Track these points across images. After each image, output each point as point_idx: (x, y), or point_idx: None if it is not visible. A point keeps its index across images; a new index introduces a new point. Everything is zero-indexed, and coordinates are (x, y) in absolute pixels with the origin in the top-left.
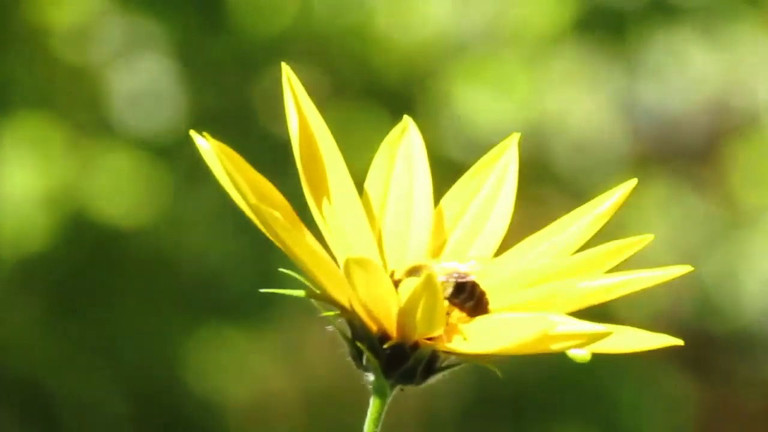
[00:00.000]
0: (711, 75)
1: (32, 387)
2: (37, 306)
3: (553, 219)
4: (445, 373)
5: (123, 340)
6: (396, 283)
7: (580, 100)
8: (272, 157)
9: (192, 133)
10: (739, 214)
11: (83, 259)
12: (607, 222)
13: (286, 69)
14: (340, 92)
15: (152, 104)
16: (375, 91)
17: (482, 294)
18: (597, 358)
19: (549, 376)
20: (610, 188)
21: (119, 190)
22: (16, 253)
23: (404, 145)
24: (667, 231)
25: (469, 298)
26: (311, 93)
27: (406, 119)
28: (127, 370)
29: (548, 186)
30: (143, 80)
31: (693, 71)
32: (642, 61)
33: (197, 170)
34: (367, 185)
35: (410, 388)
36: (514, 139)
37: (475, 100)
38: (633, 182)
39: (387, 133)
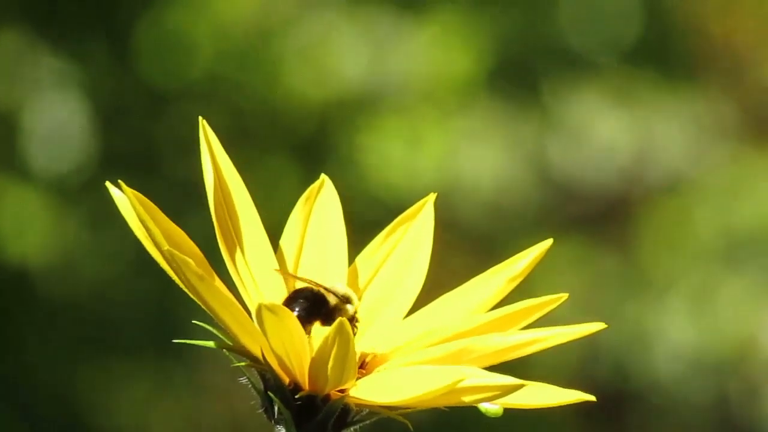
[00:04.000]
0: (623, 136)
1: None
2: None
3: (464, 277)
4: (356, 427)
5: (25, 376)
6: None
7: (493, 157)
8: (178, 197)
9: (108, 184)
10: (651, 277)
11: None
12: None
13: (203, 123)
14: (250, 140)
15: (61, 144)
16: (286, 142)
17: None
18: (509, 414)
19: (460, 428)
20: (521, 246)
21: (26, 228)
22: None
23: (320, 203)
24: (578, 290)
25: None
26: (220, 141)
27: (323, 177)
28: (29, 409)
29: (459, 243)
30: (53, 120)
31: (606, 131)
32: (555, 120)
33: (103, 211)
34: (282, 241)
35: None
36: (431, 199)
37: (387, 155)
38: (548, 243)
39: (296, 182)
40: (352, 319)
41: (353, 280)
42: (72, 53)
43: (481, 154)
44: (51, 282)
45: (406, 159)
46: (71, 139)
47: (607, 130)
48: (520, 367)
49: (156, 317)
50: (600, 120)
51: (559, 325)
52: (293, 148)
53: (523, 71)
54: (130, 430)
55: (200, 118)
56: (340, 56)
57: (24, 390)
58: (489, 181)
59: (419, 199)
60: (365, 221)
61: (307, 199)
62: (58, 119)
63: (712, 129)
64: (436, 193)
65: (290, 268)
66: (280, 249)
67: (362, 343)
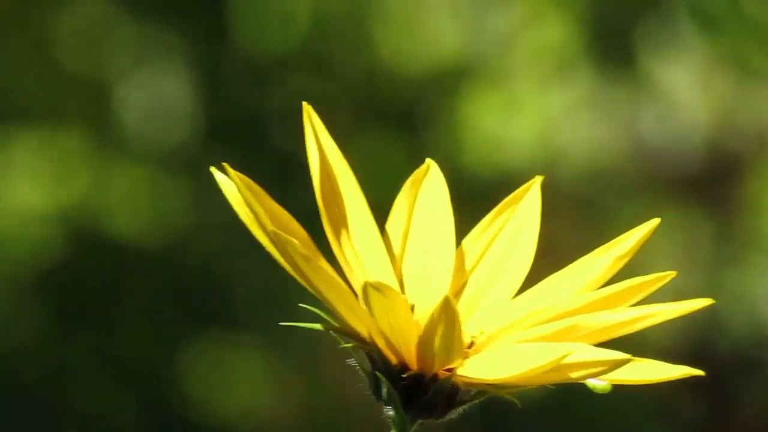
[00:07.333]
0: (718, 101)
1: (40, 397)
2: (46, 318)
3: (564, 249)
4: (465, 407)
5: (131, 351)
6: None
7: (590, 126)
8: (281, 169)
9: (212, 169)
10: (750, 241)
11: (94, 273)
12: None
13: (307, 108)
14: (349, 109)
15: (164, 117)
16: (384, 110)
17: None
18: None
19: (555, 406)
20: (623, 215)
21: (131, 203)
22: (28, 266)
23: (426, 187)
24: (678, 256)
25: None
26: (321, 112)
27: (429, 161)
28: (134, 379)
29: (559, 214)
30: (154, 92)
31: (701, 97)
32: (650, 87)
33: (208, 183)
34: (388, 226)
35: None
36: (537, 181)
37: (485, 125)
38: (655, 221)
39: (392, 153)
40: None
41: (460, 262)
42: (170, 23)
43: (579, 123)
44: (156, 260)
45: (503, 129)
46: (174, 113)
47: (701, 95)
48: (623, 346)
49: (264, 290)
50: (695, 85)
51: (660, 296)
52: (392, 117)
53: (619, 40)
54: (234, 409)
55: (304, 103)
56: (438, 24)
57: (127, 361)
58: (586, 150)
59: (517, 172)
60: (464, 193)
61: (413, 183)
62: (159, 90)
63: None
64: (543, 176)
65: (396, 252)
66: (387, 235)
67: (470, 324)
